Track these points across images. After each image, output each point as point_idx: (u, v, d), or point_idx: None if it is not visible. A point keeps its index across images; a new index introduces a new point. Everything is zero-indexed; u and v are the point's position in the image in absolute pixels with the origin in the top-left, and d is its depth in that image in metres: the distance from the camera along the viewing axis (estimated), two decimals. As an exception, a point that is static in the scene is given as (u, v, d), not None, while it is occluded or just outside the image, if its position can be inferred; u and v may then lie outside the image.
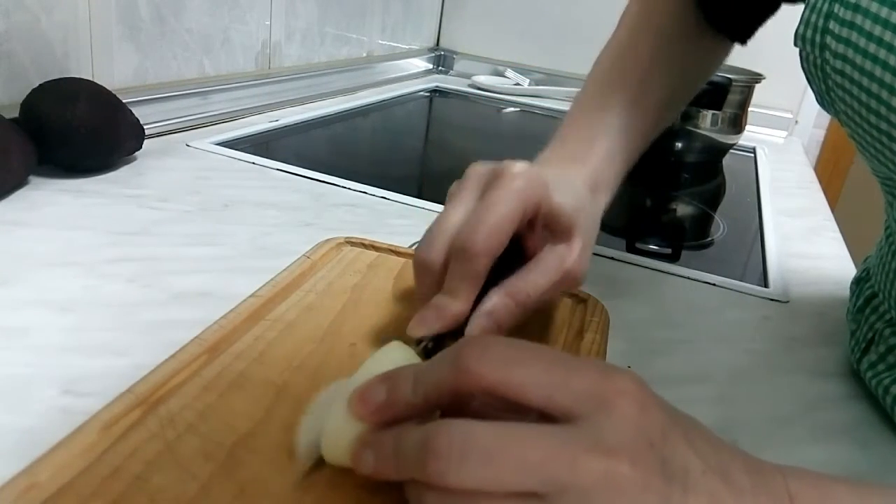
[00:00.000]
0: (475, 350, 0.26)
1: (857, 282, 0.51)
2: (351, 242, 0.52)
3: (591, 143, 0.48)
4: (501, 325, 0.37)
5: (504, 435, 0.24)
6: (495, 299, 0.37)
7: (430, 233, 0.38)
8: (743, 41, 0.54)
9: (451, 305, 0.36)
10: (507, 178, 0.37)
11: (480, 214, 0.36)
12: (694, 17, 0.52)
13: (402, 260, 0.51)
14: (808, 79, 0.40)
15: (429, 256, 0.37)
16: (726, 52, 0.56)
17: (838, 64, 0.36)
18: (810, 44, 0.38)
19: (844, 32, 0.35)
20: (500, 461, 0.23)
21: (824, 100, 0.40)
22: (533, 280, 0.38)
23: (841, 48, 0.35)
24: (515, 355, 0.26)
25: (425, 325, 0.36)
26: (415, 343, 0.35)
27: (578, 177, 0.45)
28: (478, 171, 0.40)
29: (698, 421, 0.27)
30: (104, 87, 0.63)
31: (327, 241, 0.51)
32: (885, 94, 0.33)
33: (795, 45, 0.39)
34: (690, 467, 0.25)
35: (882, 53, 0.33)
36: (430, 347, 0.36)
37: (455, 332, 0.36)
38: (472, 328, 0.36)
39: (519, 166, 0.38)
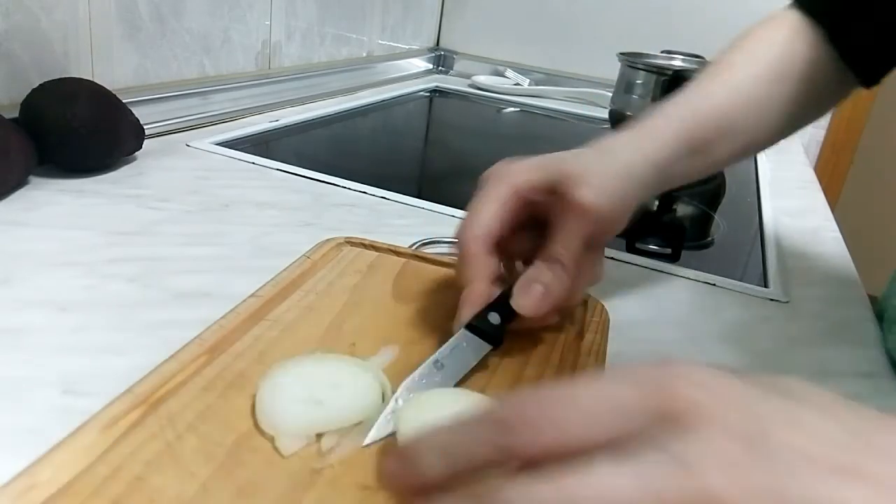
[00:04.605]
0: (505, 419, 0.22)
1: None
2: (351, 242, 0.52)
3: (643, 125, 0.48)
4: (548, 290, 0.40)
5: (572, 493, 0.20)
6: (529, 269, 0.41)
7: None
8: (871, 83, 0.53)
9: (467, 291, 0.41)
10: (492, 176, 0.43)
11: (470, 208, 0.43)
12: (826, 57, 0.51)
13: (402, 260, 0.51)
14: None
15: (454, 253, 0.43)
16: (846, 94, 0.55)
17: None
18: None
19: None
20: None
21: None
22: (555, 238, 0.41)
23: None
24: (548, 408, 0.22)
25: (458, 319, 0.40)
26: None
27: (589, 150, 0.45)
28: (484, 175, 0.45)
29: (798, 381, 0.22)
30: (104, 87, 0.63)
31: (327, 241, 0.51)
32: None
33: None
34: (816, 457, 0.20)
35: None
36: (476, 325, 0.40)
37: (500, 305, 0.40)
38: (515, 297, 0.40)
39: (501, 164, 0.44)
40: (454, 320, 0.40)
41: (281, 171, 0.71)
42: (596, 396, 0.22)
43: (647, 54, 1.06)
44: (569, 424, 0.22)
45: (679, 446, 0.20)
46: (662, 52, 1.10)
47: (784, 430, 0.20)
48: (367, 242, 0.52)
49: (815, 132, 1.43)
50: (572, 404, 0.22)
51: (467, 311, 0.40)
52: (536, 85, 1.46)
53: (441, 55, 1.57)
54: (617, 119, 1.05)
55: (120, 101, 0.64)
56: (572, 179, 0.41)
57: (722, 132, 0.50)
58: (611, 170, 0.43)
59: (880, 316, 0.55)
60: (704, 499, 0.19)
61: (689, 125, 0.48)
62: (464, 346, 0.39)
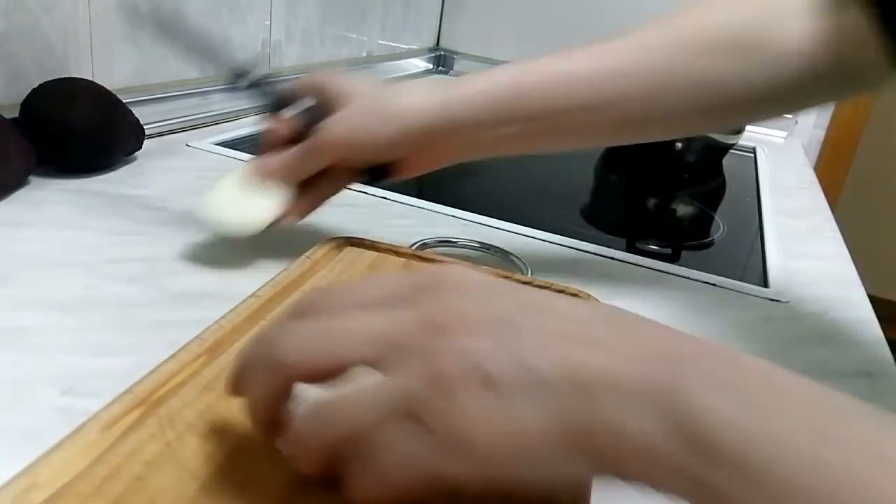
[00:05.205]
0: (280, 345, 0.27)
1: None
2: (351, 242, 0.52)
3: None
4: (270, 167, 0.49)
5: (328, 326, 0.27)
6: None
7: None
8: None
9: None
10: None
11: None
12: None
13: (402, 260, 0.51)
14: None
15: None
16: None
17: None
18: None
19: None
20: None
21: None
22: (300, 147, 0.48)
23: None
24: (312, 330, 0.27)
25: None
26: None
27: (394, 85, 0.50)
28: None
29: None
30: (104, 87, 0.63)
31: (327, 241, 0.51)
32: None
33: None
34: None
35: None
36: None
37: None
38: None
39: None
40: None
41: (281, 171, 0.71)
42: (375, 285, 0.28)
43: (647, 54, 1.06)
44: (347, 299, 0.28)
45: (426, 297, 0.26)
46: (662, 52, 1.09)
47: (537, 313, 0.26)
48: (367, 242, 0.52)
49: (815, 132, 1.43)
50: (354, 290, 0.29)
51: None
52: (536, 85, 1.45)
53: (441, 55, 1.57)
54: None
55: (120, 101, 0.64)
56: (336, 104, 0.47)
57: (556, 107, 0.46)
58: (379, 112, 0.47)
59: None
60: (427, 324, 0.25)
61: (505, 91, 0.47)
62: None
